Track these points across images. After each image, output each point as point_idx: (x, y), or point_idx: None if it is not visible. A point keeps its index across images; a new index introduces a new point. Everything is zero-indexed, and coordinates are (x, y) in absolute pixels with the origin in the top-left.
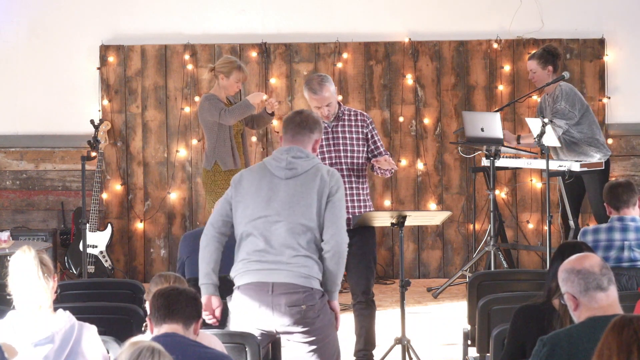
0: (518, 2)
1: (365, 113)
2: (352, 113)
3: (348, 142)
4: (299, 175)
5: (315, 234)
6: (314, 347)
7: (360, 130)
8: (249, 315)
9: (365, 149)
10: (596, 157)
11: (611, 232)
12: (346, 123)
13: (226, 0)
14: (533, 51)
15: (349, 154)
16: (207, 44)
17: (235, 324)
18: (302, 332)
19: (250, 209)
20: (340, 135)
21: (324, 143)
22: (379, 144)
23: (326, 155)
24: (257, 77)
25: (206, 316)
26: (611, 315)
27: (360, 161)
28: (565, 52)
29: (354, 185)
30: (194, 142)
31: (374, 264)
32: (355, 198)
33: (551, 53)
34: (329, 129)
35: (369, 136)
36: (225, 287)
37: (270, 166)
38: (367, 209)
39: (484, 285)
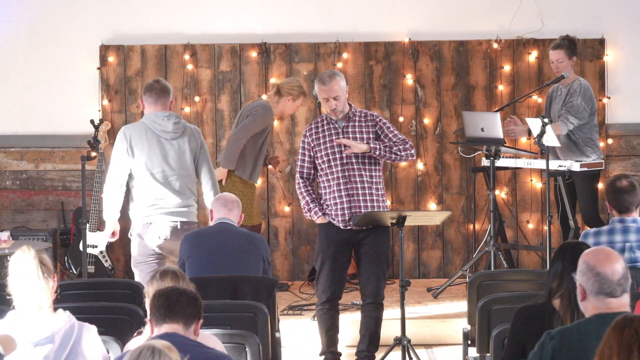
0: (518, 2)
1: (375, 113)
2: (362, 114)
3: (358, 142)
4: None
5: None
6: None
7: (370, 130)
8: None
9: None
10: (591, 159)
11: (612, 234)
12: (357, 124)
13: (226, 0)
14: (556, 41)
15: (359, 154)
16: (207, 44)
17: None
18: None
19: (149, 163)
20: (350, 135)
21: (335, 143)
22: (391, 135)
23: (337, 156)
24: (257, 77)
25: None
26: (617, 313)
27: (371, 161)
28: None
29: (366, 185)
30: None
31: (386, 266)
32: (368, 198)
33: (574, 43)
34: (340, 129)
35: (380, 132)
36: (223, 287)
37: (154, 129)
38: (380, 210)
39: (484, 285)
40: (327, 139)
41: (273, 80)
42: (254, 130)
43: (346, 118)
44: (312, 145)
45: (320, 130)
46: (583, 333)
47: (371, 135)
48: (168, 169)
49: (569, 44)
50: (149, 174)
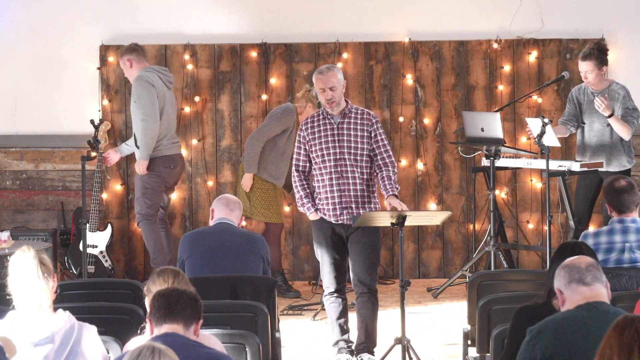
0: (518, 2)
1: (372, 112)
2: (359, 111)
3: (352, 139)
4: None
5: None
6: None
7: (365, 128)
8: None
9: (369, 147)
10: (625, 164)
11: (612, 235)
12: (352, 120)
13: (226, 0)
14: (584, 49)
15: (352, 151)
16: (207, 44)
17: None
18: None
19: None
20: (345, 132)
21: (329, 139)
22: (381, 143)
23: (331, 151)
24: (257, 77)
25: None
26: (593, 301)
27: (364, 159)
28: (565, 52)
29: (357, 182)
30: (194, 142)
31: (376, 257)
32: (359, 194)
33: (604, 52)
34: (335, 125)
35: (373, 135)
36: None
37: (163, 79)
38: (373, 207)
39: (484, 285)
40: (322, 134)
41: (273, 81)
42: (270, 132)
43: (342, 114)
44: (308, 139)
45: (315, 124)
46: (559, 318)
47: (365, 134)
48: (171, 110)
49: (599, 54)
50: (166, 115)
